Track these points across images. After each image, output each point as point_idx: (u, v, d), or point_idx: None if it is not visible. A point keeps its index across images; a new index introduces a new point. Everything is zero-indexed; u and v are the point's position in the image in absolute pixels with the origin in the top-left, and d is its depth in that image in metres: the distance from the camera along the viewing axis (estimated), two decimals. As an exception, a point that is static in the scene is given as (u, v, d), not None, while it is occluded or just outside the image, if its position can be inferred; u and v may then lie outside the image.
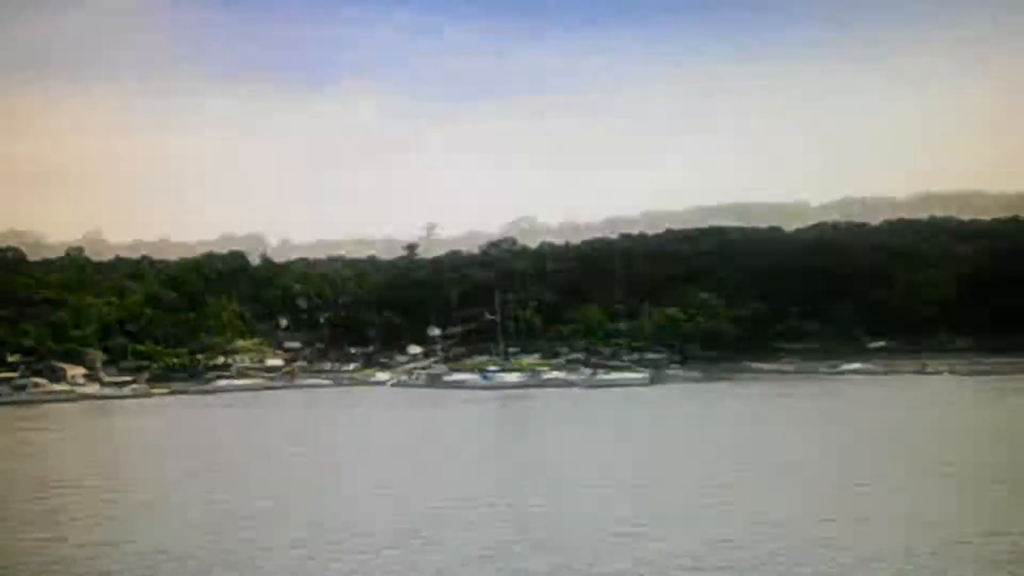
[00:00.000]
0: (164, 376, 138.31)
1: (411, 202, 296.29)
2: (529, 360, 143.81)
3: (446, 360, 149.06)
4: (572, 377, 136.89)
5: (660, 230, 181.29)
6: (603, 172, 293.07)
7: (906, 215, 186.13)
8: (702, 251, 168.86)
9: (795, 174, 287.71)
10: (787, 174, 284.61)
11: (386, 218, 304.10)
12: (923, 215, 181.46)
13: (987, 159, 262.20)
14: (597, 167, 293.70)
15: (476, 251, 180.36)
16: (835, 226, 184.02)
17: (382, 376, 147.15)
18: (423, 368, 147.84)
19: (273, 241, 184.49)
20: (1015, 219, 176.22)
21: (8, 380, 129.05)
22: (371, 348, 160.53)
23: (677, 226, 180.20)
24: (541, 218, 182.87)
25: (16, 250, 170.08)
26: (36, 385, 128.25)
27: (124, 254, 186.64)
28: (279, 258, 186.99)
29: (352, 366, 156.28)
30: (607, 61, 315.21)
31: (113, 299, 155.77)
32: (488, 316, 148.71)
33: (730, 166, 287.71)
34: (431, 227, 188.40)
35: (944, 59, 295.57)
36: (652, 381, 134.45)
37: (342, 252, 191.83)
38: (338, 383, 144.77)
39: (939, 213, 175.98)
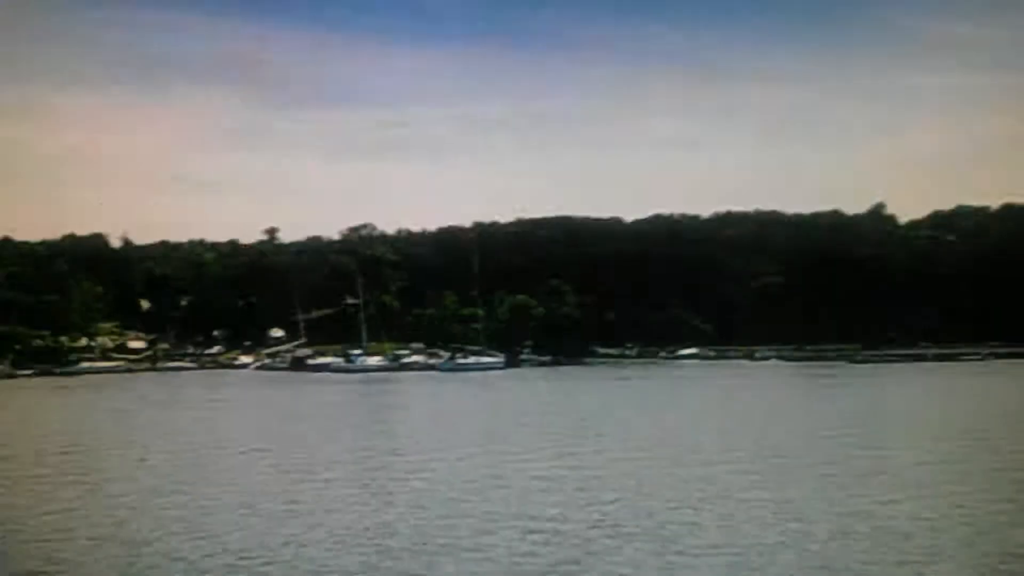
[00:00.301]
0: (29, 357, 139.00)
1: (248, 204, 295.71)
2: (390, 344, 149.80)
3: (309, 344, 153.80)
4: (432, 361, 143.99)
5: (511, 219, 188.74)
6: (433, 180, 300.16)
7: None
8: (550, 239, 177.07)
9: (608, 192, 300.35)
10: (600, 191, 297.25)
11: (246, 209, 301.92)
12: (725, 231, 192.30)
13: (781, 181, 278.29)
14: (423, 183, 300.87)
15: (336, 236, 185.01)
16: (671, 216, 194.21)
17: (246, 359, 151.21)
18: (287, 351, 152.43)
19: (116, 243, 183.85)
20: (835, 213, 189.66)
21: None
22: (234, 331, 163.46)
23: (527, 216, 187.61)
24: (380, 226, 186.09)
25: None
26: None
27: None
28: (140, 242, 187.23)
29: (216, 349, 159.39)
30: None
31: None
32: (350, 301, 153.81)
33: (552, 181, 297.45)
34: (271, 231, 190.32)
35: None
36: (507, 365, 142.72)
37: (203, 236, 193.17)
38: (201, 366, 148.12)
39: (737, 232, 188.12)
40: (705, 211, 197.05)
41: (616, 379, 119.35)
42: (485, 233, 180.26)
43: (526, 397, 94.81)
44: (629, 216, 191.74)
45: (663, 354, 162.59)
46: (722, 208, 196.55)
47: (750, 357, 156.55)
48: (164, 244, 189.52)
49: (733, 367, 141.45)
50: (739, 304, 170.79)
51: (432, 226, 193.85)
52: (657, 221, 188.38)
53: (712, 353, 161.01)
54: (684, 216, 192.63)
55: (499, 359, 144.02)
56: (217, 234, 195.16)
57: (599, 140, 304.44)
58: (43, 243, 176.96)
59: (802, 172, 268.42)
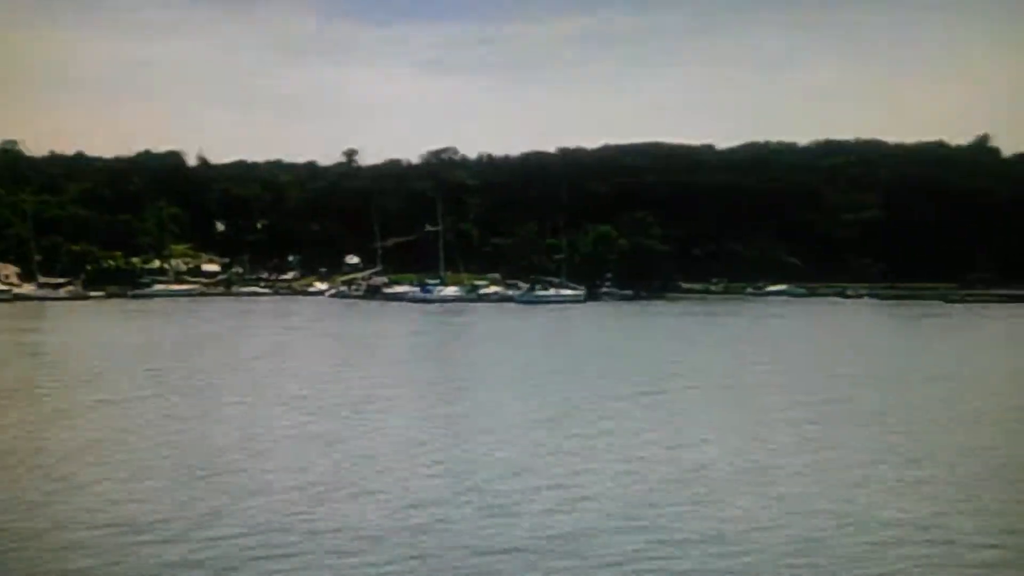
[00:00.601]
0: (100, 278, 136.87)
1: (336, 121, 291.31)
2: (468, 274, 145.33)
3: (385, 272, 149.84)
4: (510, 292, 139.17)
5: (598, 144, 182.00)
6: (520, 101, 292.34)
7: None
8: (638, 167, 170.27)
9: (702, 117, 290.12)
10: (694, 117, 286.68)
11: (326, 127, 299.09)
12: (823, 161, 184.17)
13: (884, 110, 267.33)
14: (510, 103, 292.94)
15: (417, 160, 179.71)
16: (767, 144, 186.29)
17: (321, 286, 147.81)
18: (362, 279, 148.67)
19: (210, 145, 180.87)
20: (940, 144, 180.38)
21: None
22: (310, 257, 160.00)
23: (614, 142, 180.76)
24: (463, 149, 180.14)
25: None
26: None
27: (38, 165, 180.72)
28: (216, 161, 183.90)
29: (290, 275, 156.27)
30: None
31: (47, 196, 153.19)
32: (429, 228, 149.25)
33: (641, 106, 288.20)
34: (351, 152, 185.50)
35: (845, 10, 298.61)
36: (587, 298, 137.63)
37: (280, 157, 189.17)
38: (276, 292, 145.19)
39: (839, 161, 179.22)
40: (803, 139, 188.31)
41: (698, 315, 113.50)
42: (570, 159, 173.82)
43: (602, 333, 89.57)
44: (722, 143, 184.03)
45: (750, 290, 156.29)
46: (821, 137, 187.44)
47: (842, 295, 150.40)
48: (241, 164, 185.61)
49: (824, 304, 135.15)
50: (833, 239, 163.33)
51: (515, 151, 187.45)
52: (751, 149, 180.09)
53: (802, 290, 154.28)
54: (781, 144, 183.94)
55: (579, 292, 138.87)
56: (295, 153, 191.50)
57: (699, 58, 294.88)
58: (117, 160, 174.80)
59: (907, 101, 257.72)
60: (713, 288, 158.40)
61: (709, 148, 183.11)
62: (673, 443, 33.16)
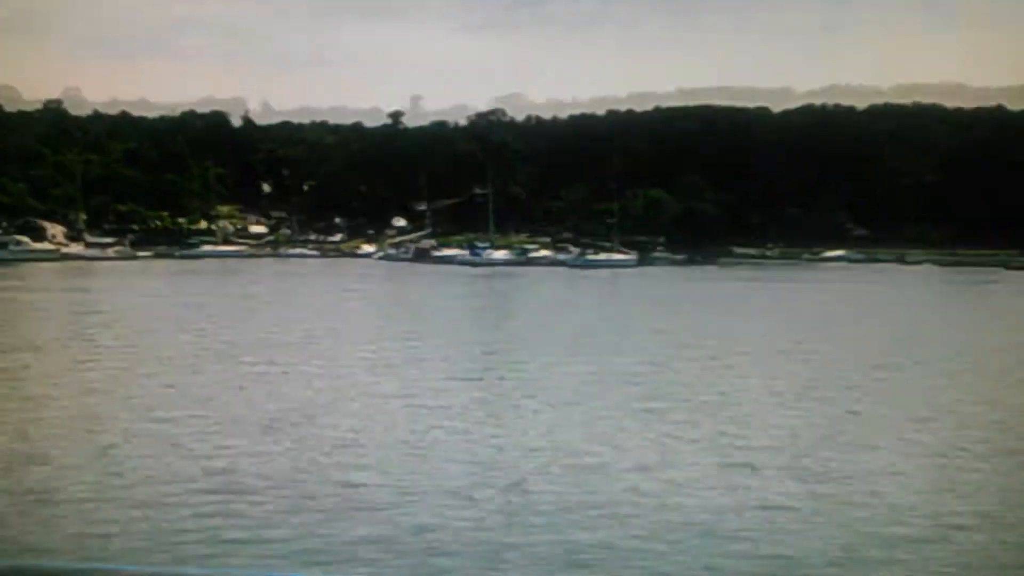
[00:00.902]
0: (147, 239, 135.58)
1: (396, 71, 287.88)
2: (518, 237, 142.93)
3: (434, 234, 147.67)
4: (560, 256, 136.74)
5: (648, 107, 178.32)
6: (591, 50, 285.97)
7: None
8: (690, 130, 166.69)
9: (781, 60, 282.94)
10: (772, 59, 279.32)
11: (371, 88, 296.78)
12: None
13: (969, 53, 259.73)
14: (586, 44, 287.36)
15: (464, 122, 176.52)
16: (823, 108, 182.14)
17: (368, 248, 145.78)
18: (411, 241, 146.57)
19: (254, 106, 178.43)
20: (999, 108, 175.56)
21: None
22: (357, 219, 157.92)
23: (666, 104, 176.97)
24: (529, 95, 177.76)
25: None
26: (18, 243, 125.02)
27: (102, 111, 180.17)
28: (261, 122, 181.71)
29: (338, 237, 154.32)
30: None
31: (93, 156, 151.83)
32: (478, 191, 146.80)
33: (715, 48, 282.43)
34: (416, 99, 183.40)
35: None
36: (639, 263, 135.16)
37: (326, 118, 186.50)
38: (323, 254, 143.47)
39: (899, 124, 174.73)
40: (860, 103, 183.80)
41: (754, 280, 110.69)
42: (621, 122, 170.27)
43: (655, 297, 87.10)
44: (777, 106, 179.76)
45: (807, 255, 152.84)
46: (879, 100, 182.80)
47: (901, 260, 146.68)
48: (287, 125, 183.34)
49: (882, 271, 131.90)
50: (892, 204, 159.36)
51: (564, 113, 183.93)
52: (807, 112, 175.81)
53: (860, 255, 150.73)
54: (838, 107, 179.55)
55: (631, 256, 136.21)
56: (342, 114, 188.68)
57: (751, 16, 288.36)
58: (162, 119, 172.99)
59: (968, 63, 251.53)
60: (768, 253, 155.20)
61: (764, 110, 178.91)
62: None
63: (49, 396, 32.05)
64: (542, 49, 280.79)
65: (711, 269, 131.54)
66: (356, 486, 22.10)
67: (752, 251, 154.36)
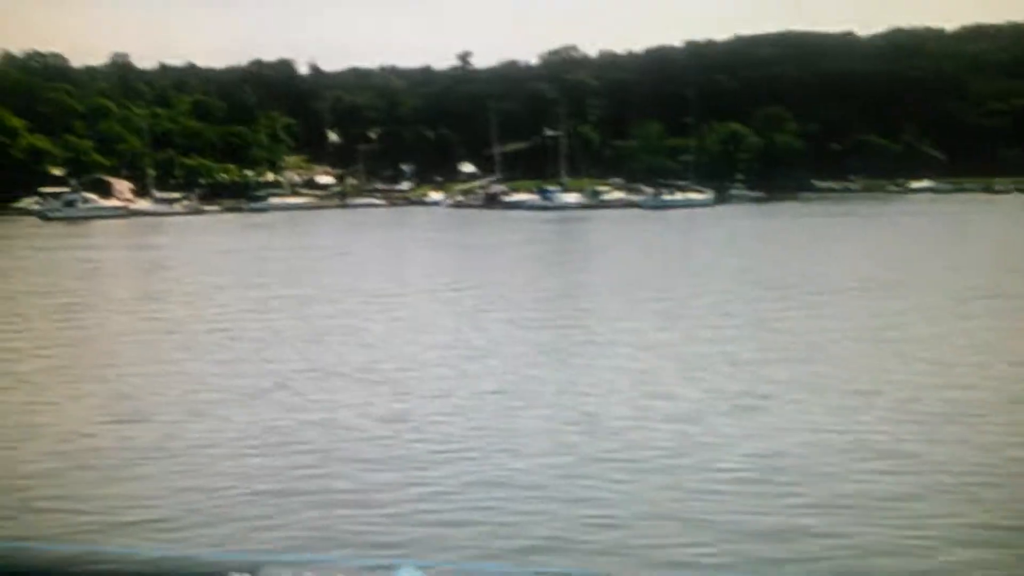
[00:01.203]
0: (214, 192, 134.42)
1: (444, 26, 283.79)
2: (589, 180, 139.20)
3: (503, 179, 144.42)
4: (635, 198, 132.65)
5: (728, 36, 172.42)
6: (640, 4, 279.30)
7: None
8: (770, 59, 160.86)
9: (839, 4, 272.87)
10: (832, 4, 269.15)
11: (417, 45, 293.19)
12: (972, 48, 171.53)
13: None
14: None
15: (534, 61, 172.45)
16: (912, 30, 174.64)
17: (437, 196, 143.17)
18: (480, 187, 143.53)
19: (304, 69, 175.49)
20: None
21: (57, 195, 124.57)
22: (425, 166, 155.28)
23: (744, 37, 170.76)
24: (582, 48, 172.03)
25: (58, 56, 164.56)
26: (86, 200, 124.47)
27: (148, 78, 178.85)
28: (328, 69, 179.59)
29: (405, 185, 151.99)
30: None
31: (159, 110, 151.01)
32: (549, 132, 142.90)
33: None
34: (464, 56, 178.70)
35: None
36: (716, 202, 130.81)
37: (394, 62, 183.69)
38: (391, 203, 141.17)
39: (985, 48, 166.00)
40: (950, 24, 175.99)
41: (838, 216, 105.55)
42: (698, 54, 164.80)
43: (729, 238, 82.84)
44: (862, 31, 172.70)
45: (892, 187, 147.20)
46: (970, 21, 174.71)
47: (989, 189, 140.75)
48: (354, 72, 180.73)
49: (969, 201, 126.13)
50: (980, 130, 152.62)
51: (639, 47, 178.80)
52: (894, 36, 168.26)
53: (947, 186, 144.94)
54: (928, 30, 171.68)
55: (707, 195, 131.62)
56: (409, 58, 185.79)
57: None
58: (228, 70, 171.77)
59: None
60: (851, 186, 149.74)
61: (849, 35, 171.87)
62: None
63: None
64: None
65: (793, 205, 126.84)
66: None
67: (834, 184, 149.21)
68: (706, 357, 27.02)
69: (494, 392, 23.42)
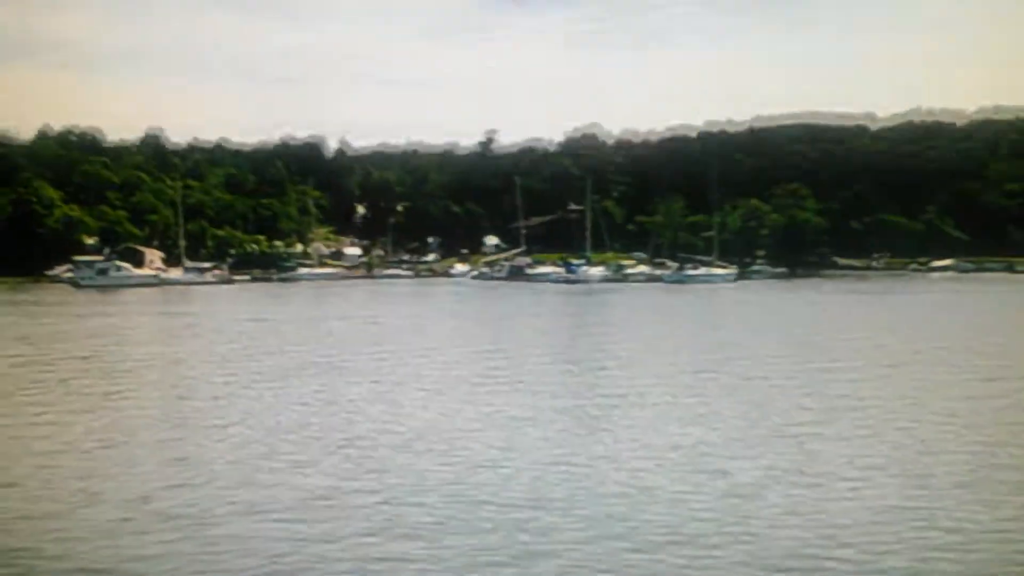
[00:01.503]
0: (244, 263, 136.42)
1: (468, 104, 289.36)
2: (613, 254, 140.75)
3: (528, 253, 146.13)
4: (658, 272, 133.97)
5: (747, 117, 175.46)
6: (660, 81, 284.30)
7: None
8: (789, 140, 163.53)
9: (859, 86, 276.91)
10: (851, 86, 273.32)
11: (444, 123, 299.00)
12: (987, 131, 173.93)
13: None
14: (654, 76, 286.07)
15: (556, 141, 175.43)
16: (923, 124, 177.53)
17: (462, 268, 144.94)
18: (505, 260, 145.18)
19: (333, 144, 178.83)
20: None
21: (90, 263, 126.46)
22: (450, 239, 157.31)
23: (764, 116, 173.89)
24: (606, 125, 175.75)
25: (93, 133, 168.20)
26: (119, 269, 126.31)
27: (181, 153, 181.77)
28: (355, 146, 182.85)
29: (431, 257, 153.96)
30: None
31: (192, 182, 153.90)
32: (572, 207, 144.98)
33: (792, 76, 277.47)
34: (491, 133, 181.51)
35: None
36: (738, 277, 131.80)
37: (421, 138, 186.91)
38: (417, 274, 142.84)
39: (1002, 127, 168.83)
40: (969, 106, 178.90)
41: (865, 293, 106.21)
42: (717, 133, 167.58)
43: (754, 313, 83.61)
44: (879, 114, 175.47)
45: (914, 266, 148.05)
46: (987, 103, 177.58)
47: (1011, 269, 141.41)
48: (381, 150, 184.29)
49: (993, 281, 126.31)
50: (1001, 212, 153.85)
51: (659, 127, 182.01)
52: (909, 129, 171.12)
53: (969, 265, 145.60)
54: (945, 111, 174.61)
55: (731, 271, 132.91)
56: (434, 136, 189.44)
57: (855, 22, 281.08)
58: (259, 149, 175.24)
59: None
60: (874, 264, 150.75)
61: (868, 115, 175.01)
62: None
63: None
64: (626, 69, 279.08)
65: (815, 282, 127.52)
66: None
67: (856, 263, 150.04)
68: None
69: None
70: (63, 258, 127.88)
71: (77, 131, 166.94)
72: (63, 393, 35.91)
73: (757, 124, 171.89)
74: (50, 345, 53.90)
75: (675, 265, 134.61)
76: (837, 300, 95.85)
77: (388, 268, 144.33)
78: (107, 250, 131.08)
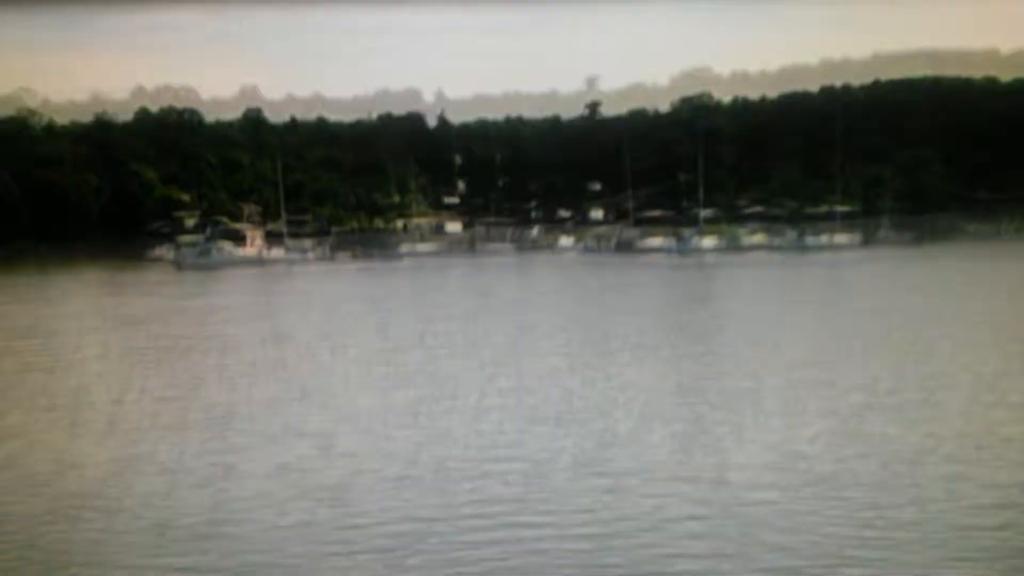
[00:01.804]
0: (345, 241, 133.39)
1: (568, 50, 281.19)
2: (727, 224, 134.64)
3: (636, 225, 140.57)
4: (776, 241, 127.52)
5: (867, 80, 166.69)
6: (774, 19, 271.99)
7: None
8: (913, 101, 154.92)
9: (980, 16, 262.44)
10: (971, 16, 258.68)
11: (544, 71, 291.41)
12: None
13: None
14: (769, 13, 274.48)
15: (665, 108, 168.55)
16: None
17: (567, 241, 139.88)
18: (612, 233, 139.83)
19: (430, 97, 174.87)
20: None
21: (192, 244, 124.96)
22: (554, 212, 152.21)
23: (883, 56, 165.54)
24: (715, 68, 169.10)
25: (194, 111, 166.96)
26: (220, 249, 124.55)
27: (278, 110, 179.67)
28: (454, 119, 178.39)
29: (535, 231, 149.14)
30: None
31: (292, 161, 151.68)
32: (683, 176, 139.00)
33: (914, 7, 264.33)
34: (592, 80, 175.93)
35: None
36: (863, 244, 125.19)
37: (522, 111, 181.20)
38: (521, 249, 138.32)
39: None
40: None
41: (1000, 260, 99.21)
42: (835, 95, 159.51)
43: (915, 281, 77.54)
44: (1006, 74, 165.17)
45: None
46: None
47: None
48: (481, 122, 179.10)
49: None
50: None
51: (772, 91, 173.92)
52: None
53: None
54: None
55: (854, 237, 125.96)
56: (536, 104, 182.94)
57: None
58: (357, 123, 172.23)
59: None
60: (1005, 228, 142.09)
61: (993, 79, 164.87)
62: None
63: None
64: (724, 23, 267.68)
65: (947, 248, 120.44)
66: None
67: (986, 227, 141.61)
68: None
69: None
70: (164, 239, 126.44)
71: (174, 112, 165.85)
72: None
73: (876, 88, 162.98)
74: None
75: (794, 234, 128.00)
76: (987, 267, 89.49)
77: (491, 243, 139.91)
78: (209, 230, 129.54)
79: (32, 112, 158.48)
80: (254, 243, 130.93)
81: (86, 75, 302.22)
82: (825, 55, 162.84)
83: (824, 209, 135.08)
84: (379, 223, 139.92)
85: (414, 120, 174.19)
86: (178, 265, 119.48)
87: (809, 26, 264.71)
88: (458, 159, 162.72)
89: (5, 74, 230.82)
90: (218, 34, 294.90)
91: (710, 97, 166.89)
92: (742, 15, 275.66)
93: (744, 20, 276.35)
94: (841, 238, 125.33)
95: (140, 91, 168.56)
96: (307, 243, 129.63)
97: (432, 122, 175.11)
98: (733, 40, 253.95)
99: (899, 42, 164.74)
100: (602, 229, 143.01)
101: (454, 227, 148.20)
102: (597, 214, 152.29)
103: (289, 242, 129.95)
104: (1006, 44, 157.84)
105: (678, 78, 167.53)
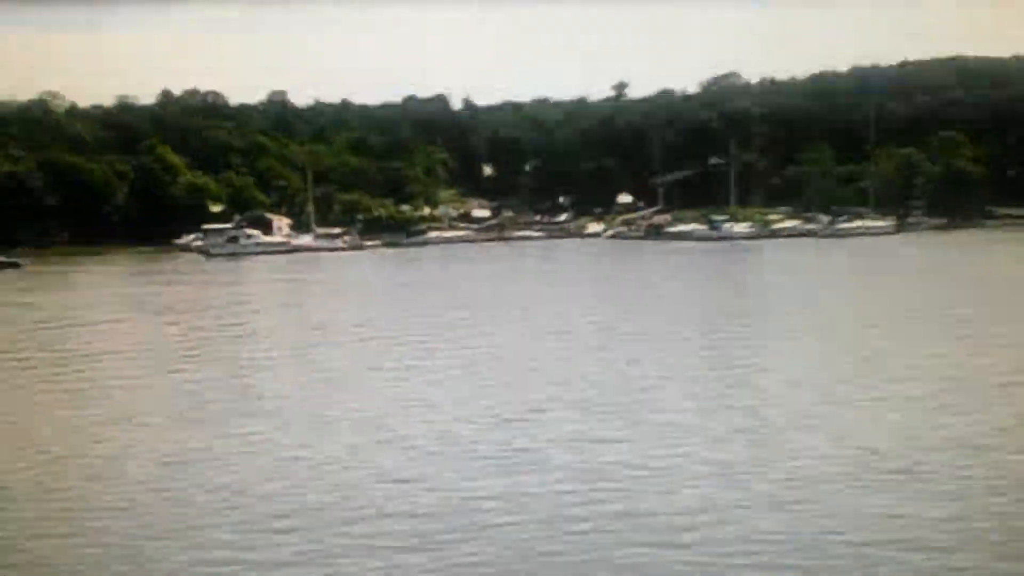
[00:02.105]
0: (372, 227, 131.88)
1: (597, 58, 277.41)
2: (757, 208, 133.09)
3: (667, 210, 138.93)
4: (809, 226, 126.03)
5: (894, 62, 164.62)
6: (804, 26, 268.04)
7: None
8: (941, 84, 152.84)
9: (1010, 26, 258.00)
10: (1001, 26, 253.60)
11: (572, 76, 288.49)
12: None
13: None
14: (798, 19, 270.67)
15: (692, 89, 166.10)
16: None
17: (596, 227, 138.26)
18: (642, 218, 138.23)
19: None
20: None
21: (220, 231, 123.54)
22: (583, 197, 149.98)
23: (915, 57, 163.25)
24: (744, 73, 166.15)
25: (218, 95, 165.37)
26: (249, 237, 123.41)
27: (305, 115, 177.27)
28: (481, 103, 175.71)
29: (563, 216, 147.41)
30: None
31: (318, 146, 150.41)
32: (714, 160, 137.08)
33: (940, 17, 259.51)
34: (621, 86, 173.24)
35: None
36: (895, 229, 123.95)
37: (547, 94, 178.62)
38: (550, 235, 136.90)
39: None
40: None
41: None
42: (864, 79, 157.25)
43: (964, 266, 76.50)
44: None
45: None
46: None
47: None
48: (508, 105, 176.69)
49: None
50: None
51: (801, 72, 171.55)
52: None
53: None
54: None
55: (888, 222, 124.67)
56: (563, 89, 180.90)
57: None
58: (384, 107, 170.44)
59: None
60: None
61: (1019, 59, 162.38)
62: None
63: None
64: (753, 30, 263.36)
65: (981, 232, 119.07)
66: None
67: (1016, 211, 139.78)
68: None
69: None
70: (191, 226, 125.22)
71: (199, 96, 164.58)
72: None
73: (905, 70, 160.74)
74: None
75: (827, 218, 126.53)
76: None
77: (520, 229, 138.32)
78: (237, 217, 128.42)
79: (54, 95, 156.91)
80: (281, 231, 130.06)
81: (111, 81, 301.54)
82: (854, 63, 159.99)
83: (855, 194, 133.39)
84: (406, 209, 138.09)
85: (439, 101, 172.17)
86: (206, 253, 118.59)
87: (839, 33, 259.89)
88: (484, 143, 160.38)
89: (27, 79, 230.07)
90: (244, 32, 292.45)
91: (737, 76, 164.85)
92: (771, 22, 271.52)
93: (773, 27, 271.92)
94: (874, 223, 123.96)
95: (167, 96, 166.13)
96: (335, 230, 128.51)
97: (457, 104, 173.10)
98: (761, 46, 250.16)
99: (927, 50, 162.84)
100: (631, 214, 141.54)
101: (482, 213, 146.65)
102: (626, 199, 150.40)
103: (317, 229, 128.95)
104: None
105: (705, 84, 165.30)
